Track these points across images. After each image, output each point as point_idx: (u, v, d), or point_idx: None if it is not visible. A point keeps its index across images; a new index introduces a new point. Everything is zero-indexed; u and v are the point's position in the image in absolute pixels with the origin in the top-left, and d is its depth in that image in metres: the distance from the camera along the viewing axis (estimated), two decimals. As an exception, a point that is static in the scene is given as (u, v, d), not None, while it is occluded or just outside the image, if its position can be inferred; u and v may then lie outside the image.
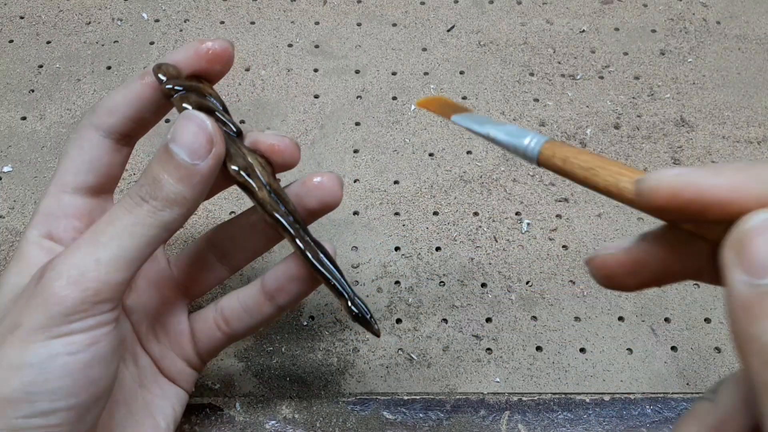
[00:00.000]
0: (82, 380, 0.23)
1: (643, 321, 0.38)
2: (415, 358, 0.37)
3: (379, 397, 0.35)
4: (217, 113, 0.28)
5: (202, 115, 0.25)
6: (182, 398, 0.31)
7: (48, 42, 0.49)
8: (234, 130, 0.28)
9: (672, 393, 0.36)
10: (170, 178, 0.24)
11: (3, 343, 0.23)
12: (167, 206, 0.24)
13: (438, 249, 0.40)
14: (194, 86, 0.28)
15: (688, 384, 0.36)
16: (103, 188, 0.29)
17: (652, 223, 0.44)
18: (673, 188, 0.18)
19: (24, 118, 0.45)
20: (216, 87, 0.47)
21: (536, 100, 0.46)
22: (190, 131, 0.25)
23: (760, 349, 0.16)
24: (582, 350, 0.37)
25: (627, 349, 0.37)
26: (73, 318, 0.23)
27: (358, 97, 0.46)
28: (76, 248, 0.24)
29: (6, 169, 0.43)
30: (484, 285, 0.39)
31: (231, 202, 0.41)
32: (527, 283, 0.39)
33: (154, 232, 0.24)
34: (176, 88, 0.27)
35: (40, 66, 0.48)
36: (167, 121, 0.43)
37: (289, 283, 0.29)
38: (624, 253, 0.21)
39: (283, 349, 0.37)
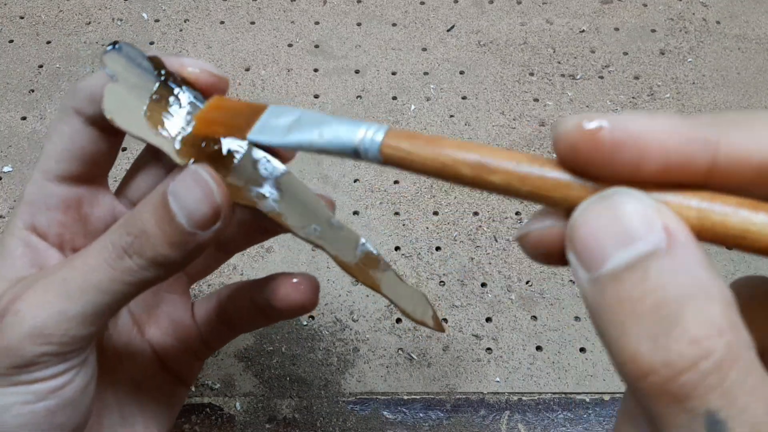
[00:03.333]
0: (44, 426, 0.21)
1: (643, 321, 0.38)
2: (415, 357, 0.37)
3: (379, 396, 0.35)
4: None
5: (210, 178, 0.21)
6: (182, 395, 0.30)
7: (48, 42, 0.49)
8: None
9: (672, 393, 0.36)
10: (162, 240, 0.21)
11: None
12: (152, 266, 0.21)
13: (438, 249, 0.40)
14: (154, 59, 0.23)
15: (688, 384, 0.36)
16: (91, 176, 0.25)
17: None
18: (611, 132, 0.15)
19: (24, 118, 0.45)
20: (216, 87, 0.47)
21: (536, 99, 0.46)
22: (194, 195, 0.21)
23: (628, 359, 0.14)
24: (582, 350, 0.37)
25: (627, 349, 0.37)
26: (33, 369, 0.21)
27: (358, 97, 0.46)
28: (43, 292, 0.21)
29: (6, 169, 0.43)
30: (484, 285, 0.39)
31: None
32: (527, 282, 0.39)
33: (133, 290, 0.21)
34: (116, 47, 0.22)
35: (40, 66, 0.48)
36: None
37: (272, 310, 0.26)
38: (560, 226, 0.17)
39: (283, 349, 0.37)
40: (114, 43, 0.22)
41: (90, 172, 0.25)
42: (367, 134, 0.19)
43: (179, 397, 0.29)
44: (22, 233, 0.24)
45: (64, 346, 0.21)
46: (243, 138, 0.22)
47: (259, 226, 0.27)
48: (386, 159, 0.19)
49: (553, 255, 0.17)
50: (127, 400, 0.27)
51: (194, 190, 0.21)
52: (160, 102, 0.22)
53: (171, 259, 0.21)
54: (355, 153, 0.19)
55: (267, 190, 0.23)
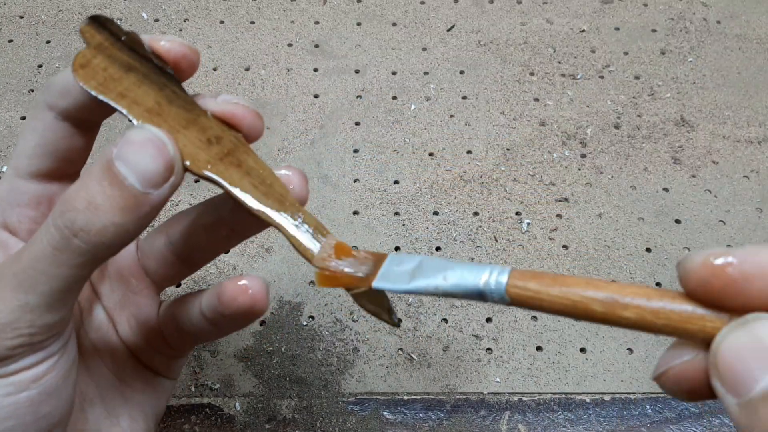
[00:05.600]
0: (28, 417, 0.21)
1: (643, 321, 0.38)
2: (415, 358, 0.37)
3: (379, 397, 0.35)
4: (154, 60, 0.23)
5: (161, 133, 0.21)
6: (167, 388, 0.29)
7: (48, 42, 0.49)
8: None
9: (672, 393, 0.35)
10: (111, 206, 0.20)
11: None
12: (100, 240, 0.20)
13: (438, 249, 0.40)
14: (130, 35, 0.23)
15: (688, 384, 0.36)
16: (64, 172, 0.25)
17: (653, 224, 0.43)
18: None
19: (23, 118, 0.45)
20: (216, 87, 0.47)
21: (536, 99, 0.46)
22: (147, 153, 0.20)
23: None
24: (582, 350, 0.37)
25: (627, 349, 0.37)
26: (9, 361, 0.21)
27: (357, 96, 0.46)
28: (2, 289, 0.21)
29: (5, 168, 0.43)
30: (484, 285, 0.39)
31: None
32: (527, 283, 0.39)
33: (86, 271, 0.21)
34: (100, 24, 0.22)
35: (40, 66, 0.48)
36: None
37: (221, 319, 0.25)
38: (699, 358, 0.17)
39: (283, 349, 0.37)
40: (92, 16, 0.23)
41: (63, 169, 0.25)
42: (492, 277, 0.20)
43: (164, 389, 0.29)
44: None
45: (34, 336, 0.21)
46: (368, 286, 0.22)
47: (224, 228, 0.26)
48: (513, 300, 0.19)
49: (697, 389, 0.17)
50: (110, 394, 0.27)
51: (145, 146, 0.21)
52: (130, 72, 0.23)
53: (125, 227, 0.20)
54: (480, 295, 0.20)
55: None
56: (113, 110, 0.23)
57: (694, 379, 0.17)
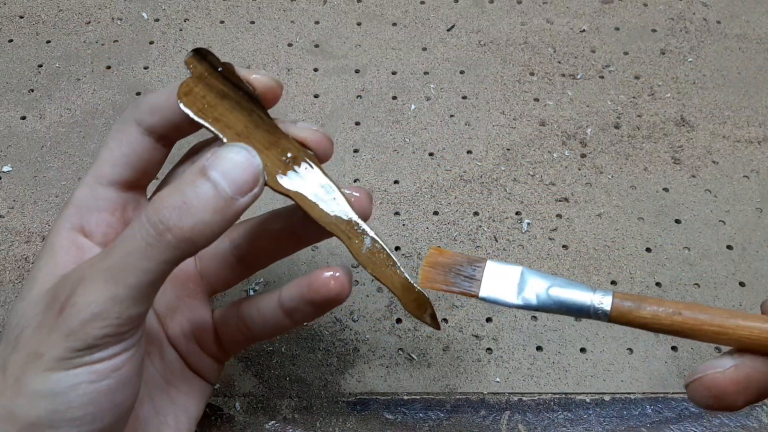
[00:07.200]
0: (106, 405, 0.24)
1: (643, 321, 0.38)
2: (415, 358, 0.37)
3: (379, 397, 0.35)
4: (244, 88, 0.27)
5: (251, 149, 0.24)
6: (208, 392, 0.32)
7: (48, 41, 0.49)
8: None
9: (672, 393, 0.35)
10: (204, 207, 0.23)
11: (27, 371, 0.23)
12: (189, 237, 0.23)
13: (438, 249, 0.40)
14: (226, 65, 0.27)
15: (688, 384, 0.36)
16: (139, 183, 0.28)
17: (653, 224, 0.43)
18: None
19: (24, 118, 0.45)
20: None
21: (536, 99, 0.46)
22: (239, 163, 0.24)
23: None
24: (582, 350, 0.37)
25: (627, 349, 0.37)
26: (95, 350, 0.23)
27: (358, 96, 0.46)
28: (93, 282, 0.23)
29: (6, 168, 0.43)
30: (484, 285, 0.39)
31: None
32: (527, 282, 0.39)
33: (171, 267, 0.23)
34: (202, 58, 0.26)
35: (40, 65, 0.48)
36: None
37: (305, 306, 0.28)
38: (735, 370, 0.21)
39: (283, 349, 0.37)
40: (195, 49, 0.27)
41: (139, 179, 0.28)
42: (596, 297, 0.24)
43: (205, 393, 0.31)
44: (69, 234, 0.27)
45: (120, 327, 0.23)
46: (475, 296, 0.27)
47: (291, 235, 0.29)
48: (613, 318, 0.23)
49: (723, 395, 0.21)
50: (158, 394, 0.29)
51: (238, 158, 0.24)
52: (224, 99, 0.27)
53: (212, 227, 0.23)
54: (586, 313, 0.24)
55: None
56: (195, 130, 0.27)
57: (722, 387, 0.20)
